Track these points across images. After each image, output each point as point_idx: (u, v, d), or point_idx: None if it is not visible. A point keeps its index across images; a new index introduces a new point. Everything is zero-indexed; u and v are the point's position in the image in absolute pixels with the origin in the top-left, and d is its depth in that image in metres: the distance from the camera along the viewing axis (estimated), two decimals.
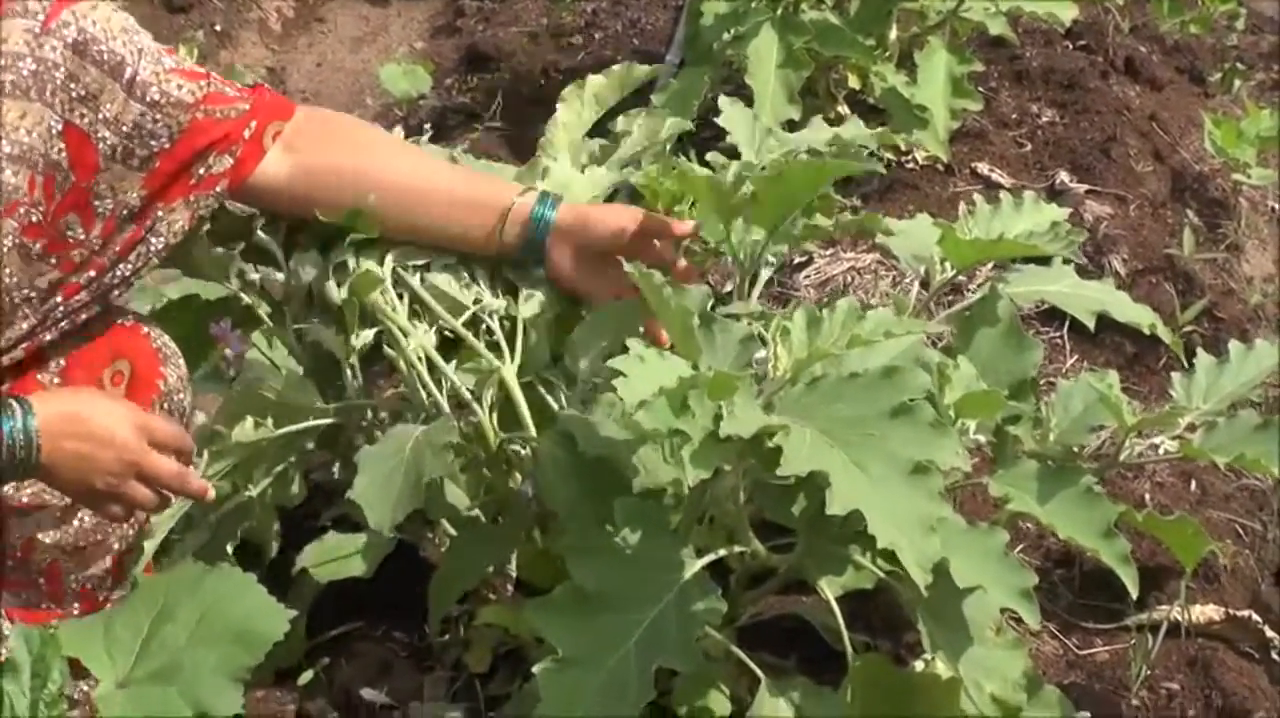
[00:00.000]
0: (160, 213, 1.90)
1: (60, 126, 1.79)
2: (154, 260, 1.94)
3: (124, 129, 1.84)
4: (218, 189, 1.94)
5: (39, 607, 1.88)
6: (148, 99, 1.85)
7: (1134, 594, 1.80)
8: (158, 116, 1.86)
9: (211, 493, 1.88)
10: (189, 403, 2.01)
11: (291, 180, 1.99)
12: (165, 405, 1.97)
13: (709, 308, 1.78)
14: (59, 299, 1.86)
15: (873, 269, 2.82)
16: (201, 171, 1.91)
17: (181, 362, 2.01)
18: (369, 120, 3.57)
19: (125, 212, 1.88)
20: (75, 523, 1.89)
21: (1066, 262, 2.16)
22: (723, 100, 2.17)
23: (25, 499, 1.85)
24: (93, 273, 1.88)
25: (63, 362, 1.91)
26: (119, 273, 1.91)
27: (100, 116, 1.82)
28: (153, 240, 1.92)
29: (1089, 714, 1.87)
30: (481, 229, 2.02)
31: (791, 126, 2.63)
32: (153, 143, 1.86)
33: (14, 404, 1.73)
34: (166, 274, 2.10)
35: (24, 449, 1.72)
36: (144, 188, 1.88)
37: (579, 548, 1.69)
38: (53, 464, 1.75)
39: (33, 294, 1.83)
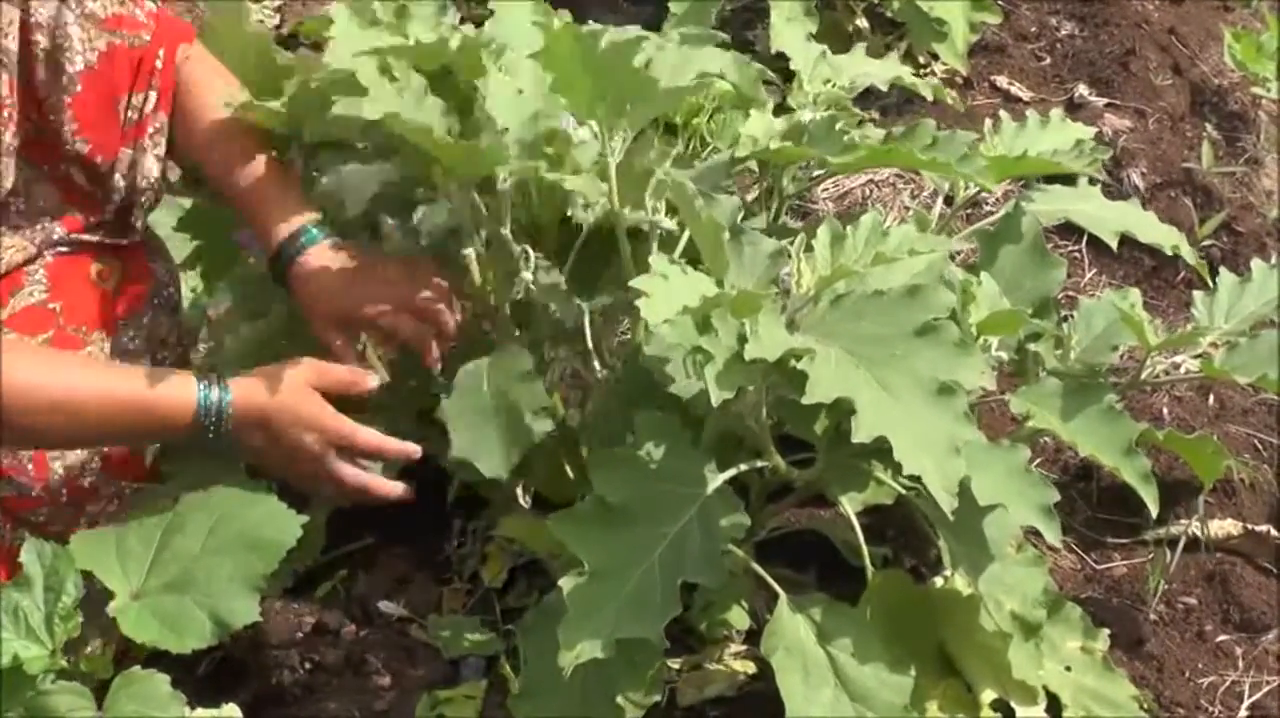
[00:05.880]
0: (126, 160, 1.92)
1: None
2: (148, 203, 1.96)
3: (55, 36, 1.84)
4: (158, 124, 1.95)
5: (31, 493, 1.88)
6: (71, 3, 1.86)
7: (1155, 513, 1.80)
8: (74, 30, 1.86)
9: (417, 451, 1.91)
10: (179, 296, 2.02)
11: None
12: (156, 300, 1.98)
13: (739, 221, 1.76)
14: (61, 229, 1.88)
15: (891, 182, 2.80)
16: (131, 115, 1.92)
17: (170, 255, 2.01)
18: None
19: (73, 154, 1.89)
20: None
21: (1093, 182, 2.14)
22: (775, 20, 2.14)
23: None
24: (93, 219, 1.91)
25: (49, 258, 1.91)
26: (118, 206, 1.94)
27: (46, 18, 1.84)
28: (141, 183, 1.93)
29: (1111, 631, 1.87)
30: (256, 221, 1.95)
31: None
32: (77, 59, 1.86)
33: (211, 380, 1.80)
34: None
35: (214, 425, 1.79)
36: (76, 121, 1.88)
37: (603, 461, 1.68)
38: (245, 448, 1.83)
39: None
